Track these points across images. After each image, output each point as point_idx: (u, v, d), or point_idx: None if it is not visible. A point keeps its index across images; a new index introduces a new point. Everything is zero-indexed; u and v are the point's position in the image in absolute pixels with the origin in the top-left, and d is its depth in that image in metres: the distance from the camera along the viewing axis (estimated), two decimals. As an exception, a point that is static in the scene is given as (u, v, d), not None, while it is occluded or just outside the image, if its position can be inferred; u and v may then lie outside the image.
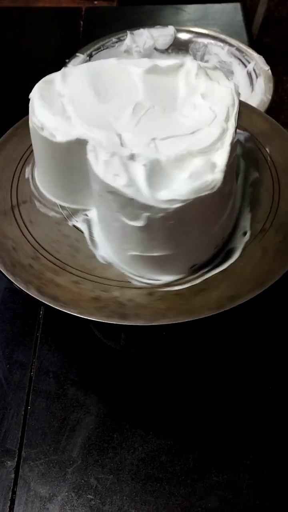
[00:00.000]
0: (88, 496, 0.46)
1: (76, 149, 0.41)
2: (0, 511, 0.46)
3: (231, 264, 0.41)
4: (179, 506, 0.46)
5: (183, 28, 0.85)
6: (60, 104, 0.43)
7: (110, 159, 0.38)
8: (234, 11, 0.98)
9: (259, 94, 0.70)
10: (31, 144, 0.47)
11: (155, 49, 0.83)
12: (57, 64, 0.78)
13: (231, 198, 0.43)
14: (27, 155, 0.50)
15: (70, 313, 0.38)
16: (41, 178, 0.47)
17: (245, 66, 0.77)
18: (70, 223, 0.45)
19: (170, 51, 0.84)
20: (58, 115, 0.42)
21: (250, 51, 0.79)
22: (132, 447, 0.49)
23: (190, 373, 0.54)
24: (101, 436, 0.49)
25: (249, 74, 0.76)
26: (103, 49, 0.82)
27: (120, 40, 0.83)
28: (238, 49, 0.80)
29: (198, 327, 0.40)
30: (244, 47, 0.80)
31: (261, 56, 0.77)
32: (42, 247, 0.43)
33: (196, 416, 0.51)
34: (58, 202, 0.46)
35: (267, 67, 0.75)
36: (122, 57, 0.50)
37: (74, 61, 0.79)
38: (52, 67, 0.78)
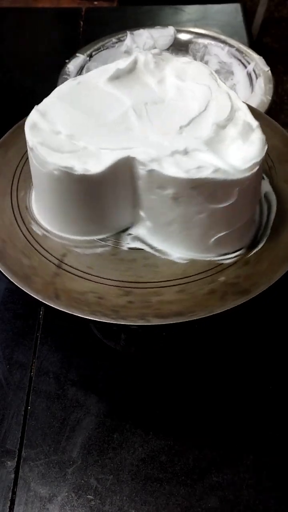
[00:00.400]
0: (88, 496, 0.46)
1: (111, 174, 0.40)
2: (0, 511, 0.46)
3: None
4: (179, 506, 0.46)
5: (183, 28, 0.85)
6: (63, 141, 0.41)
7: (174, 158, 0.39)
8: (234, 11, 0.98)
9: (259, 95, 0.70)
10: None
11: (155, 49, 0.83)
12: (57, 64, 0.79)
13: None
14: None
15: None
16: (65, 223, 0.44)
17: (245, 67, 0.77)
18: (125, 248, 0.44)
19: (170, 51, 0.84)
20: (68, 152, 0.40)
21: (250, 51, 0.79)
22: (132, 447, 0.49)
23: (190, 373, 0.54)
24: (101, 436, 0.49)
25: (249, 75, 0.76)
26: (103, 49, 0.82)
27: (120, 40, 0.83)
28: (238, 49, 0.80)
29: (202, 325, 0.40)
30: (244, 47, 0.80)
31: (261, 57, 0.77)
32: (126, 283, 0.41)
33: (196, 416, 0.51)
34: (95, 237, 0.44)
35: (267, 68, 0.75)
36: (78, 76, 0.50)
37: (74, 61, 0.79)
38: (52, 67, 0.79)
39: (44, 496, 0.46)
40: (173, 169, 0.38)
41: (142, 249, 0.43)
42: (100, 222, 0.44)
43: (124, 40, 0.82)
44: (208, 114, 0.43)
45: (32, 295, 0.40)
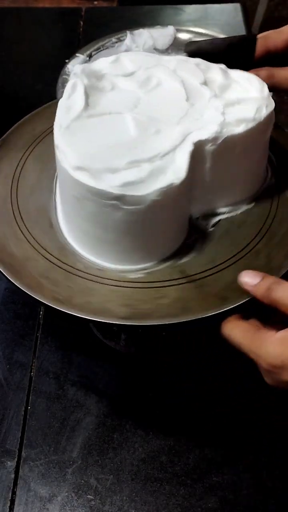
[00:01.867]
0: (88, 496, 0.46)
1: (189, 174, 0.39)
2: (0, 511, 0.46)
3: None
4: (179, 506, 0.46)
5: (183, 28, 0.85)
6: (113, 173, 0.39)
7: (225, 119, 0.41)
8: (234, 11, 0.98)
9: (259, 94, 0.70)
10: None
11: (155, 49, 0.83)
12: (57, 64, 0.78)
13: None
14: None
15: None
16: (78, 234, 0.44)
17: (245, 66, 0.77)
18: None
19: (169, 51, 0.84)
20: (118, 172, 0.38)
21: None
22: (132, 447, 0.49)
23: (190, 373, 0.54)
24: (101, 436, 0.49)
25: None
26: (103, 49, 0.81)
27: (120, 40, 0.83)
28: (238, 49, 0.80)
29: (198, 325, 0.40)
30: (244, 47, 0.80)
31: None
32: None
33: (196, 416, 0.51)
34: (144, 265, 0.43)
35: None
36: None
37: (74, 61, 0.79)
38: (52, 68, 0.78)
39: (44, 496, 0.46)
40: (236, 125, 0.40)
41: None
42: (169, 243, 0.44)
43: (124, 40, 0.82)
44: (188, 81, 0.44)
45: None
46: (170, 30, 0.84)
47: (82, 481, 0.47)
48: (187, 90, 0.43)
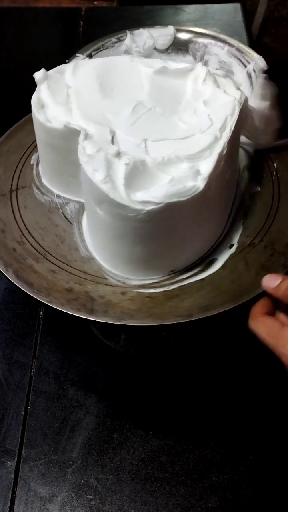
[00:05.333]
0: (88, 496, 0.46)
1: (71, 140, 0.41)
2: (0, 511, 0.46)
3: (210, 275, 0.41)
4: (179, 506, 0.46)
5: (183, 28, 0.85)
6: (65, 94, 0.44)
7: (95, 153, 0.39)
8: (234, 11, 0.98)
9: (259, 94, 0.70)
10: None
11: (155, 49, 0.83)
12: (57, 64, 0.78)
13: (219, 208, 0.43)
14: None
15: (40, 300, 0.39)
16: (42, 165, 0.48)
17: (245, 66, 0.77)
18: (61, 213, 0.45)
19: (169, 51, 0.84)
20: (60, 105, 0.43)
21: (250, 51, 0.79)
22: (132, 447, 0.49)
23: (190, 373, 0.54)
24: (101, 436, 0.49)
25: (249, 75, 0.76)
26: (103, 49, 0.81)
27: (119, 40, 0.82)
28: (238, 49, 0.80)
29: (168, 331, 0.40)
30: (244, 47, 0.80)
31: (261, 57, 0.77)
32: (30, 233, 0.44)
33: (196, 416, 0.51)
34: (55, 190, 0.47)
35: (267, 67, 0.75)
36: (135, 56, 0.51)
37: (74, 61, 0.79)
38: (52, 67, 0.78)
39: (44, 496, 0.46)
40: (85, 159, 0.39)
41: (71, 223, 0.45)
42: (61, 179, 0.46)
43: (124, 39, 0.82)
44: (183, 143, 0.41)
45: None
46: (170, 30, 0.83)
47: (82, 481, 0.47)
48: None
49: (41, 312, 0.58)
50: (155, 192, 0.36)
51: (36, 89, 0.44)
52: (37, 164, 0.49)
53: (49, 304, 0.39)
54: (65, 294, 0.39)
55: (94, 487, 0.47)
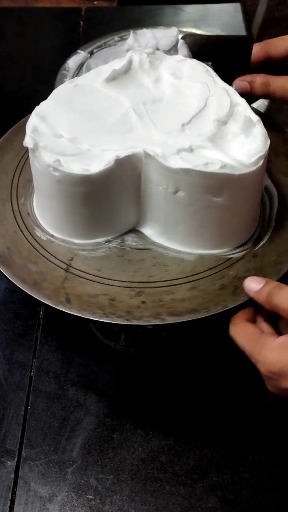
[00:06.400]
0: (88, 496, 0.46)
1: (114, 173, 0.40)
2: (0, 511, 0.46)
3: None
4: (179, 506, 0.46)
5: (183, 29, 0.84)
6: (65, 144, 0.41)
7: (180, 155, 0.39)
8: (234, 11, 0.98)
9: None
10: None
11: (157, 49, 0.83)
12: (57, 64, 0.78)
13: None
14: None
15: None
16: (70, 227, 0.44)
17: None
18: (132, 249, 0.43)
19: (172, 52, 0.84)
20: (71, 155, 0.40)
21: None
22: (132, 447, 0.49)
23: (190, 373, 0.54)
24: (101, 436, 0.49)
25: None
26: (105, 47, 0.81)
27: (122, 39, 0.82)
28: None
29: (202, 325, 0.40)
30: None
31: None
32: (137, 283, 0.41)
33: (196, 416, 0.51)
34: (101, 239, 0.44)
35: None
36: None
37: (74, 57, 0.79)
38: (52, 67, 0.78)
39: (44, 496, 0.46)
40: (180, 164, 0.38)
41: (150, 249, 0.43)
42: (105, 224, 0.43)
43: (126, 38, 0.82)
44: (208, 111, 0.43)
45: (43, 301, 0.40)
46: (173, 31, 0.83)
47: (82, 481, 0.47)
48: (197, 117, 0.43)
49: (41, 312, 0.58)
50: (254, 147, 0.40)
51: (36, 157, 0.41)
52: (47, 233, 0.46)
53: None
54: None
55: (94, 487, 0.47)
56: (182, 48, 0.50)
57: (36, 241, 0.44)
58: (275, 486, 0.46)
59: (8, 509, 0.46)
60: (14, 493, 0.47)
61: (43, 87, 0.85)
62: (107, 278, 0.41)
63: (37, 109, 0.43)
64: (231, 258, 0.42)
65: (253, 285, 0.38)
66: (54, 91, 0.45)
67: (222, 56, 0.48)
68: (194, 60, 0.48)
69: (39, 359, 0.55)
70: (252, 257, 0.42)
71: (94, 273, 0.41)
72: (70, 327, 0.57)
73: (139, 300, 0.39)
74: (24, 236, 0.44)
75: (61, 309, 0.39)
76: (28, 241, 0.44)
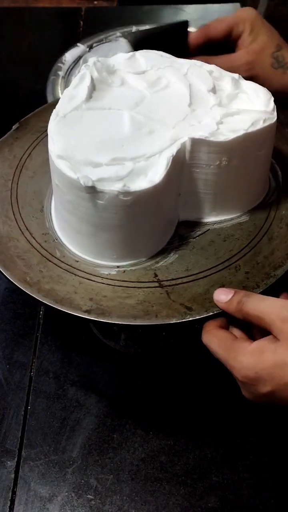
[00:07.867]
0: (88, 496, 0.46)
1: (169, 173, 0.39)
2: (0, 511, 0.46)
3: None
4: (179, 506, 0.46)
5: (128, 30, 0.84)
6: (106, 170, 0.38)
7: (221, 128, 0.41)
8: (234, 11, 0.98)
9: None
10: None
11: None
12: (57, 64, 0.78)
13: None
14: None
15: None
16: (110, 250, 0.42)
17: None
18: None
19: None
20: (126, 177, 0.38)
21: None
22: (132, 447, 0.49)
23: (190, 373, 0.54)
24: (101, 436, 0.49)
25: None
26: (105, 42, 0.81)
27: (124, 34, 0.82)
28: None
29: (168, 331, 0.40)
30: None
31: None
32: None
33: (196, 416, 0.51)
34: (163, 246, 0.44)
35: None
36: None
37: (72, 51, 0.79)
38: (52, 67, 0.78)
39: (44, 496, 0.46)
40: (230, 135, 0.40)
41: (208, 229, 0.45)
42: (165, 231, 0.44)
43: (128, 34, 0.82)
44: (197, 86, 0.44)
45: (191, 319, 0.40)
46: (122, 42, 0.83)
47: (82, 481, 0.47)
48: (192, 95, 0.43)
49: (41, 312, 0.58)
50: (261, 98, 0.44)
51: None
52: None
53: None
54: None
55: (94, 487, 0.47)
56: (125, 46, 0.51)
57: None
58: (275, 486, 0.46)
59: (8, 509, 0.46)
60: (14, 493, 0.47)
61: (43, 87, 0.85)
62: (202, 271, 0.41)
63: (52, 151, 0.40)
64: None
65: (222, 296, 0.38)
66: (49, 130, 0.42)
67: (162, 45, 0.49)
68: (140, 51, 0.48)
69: (39, 359, 0.55)
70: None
71: (185, 274, 0.41)
72: (70, 327, 0.57)
73: (243, 275, 0.41)
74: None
75: (189, 319, 0.39)
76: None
